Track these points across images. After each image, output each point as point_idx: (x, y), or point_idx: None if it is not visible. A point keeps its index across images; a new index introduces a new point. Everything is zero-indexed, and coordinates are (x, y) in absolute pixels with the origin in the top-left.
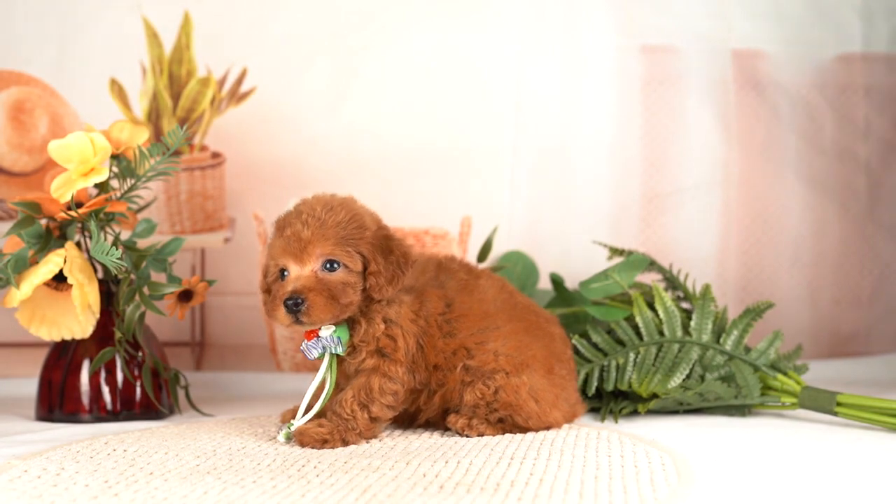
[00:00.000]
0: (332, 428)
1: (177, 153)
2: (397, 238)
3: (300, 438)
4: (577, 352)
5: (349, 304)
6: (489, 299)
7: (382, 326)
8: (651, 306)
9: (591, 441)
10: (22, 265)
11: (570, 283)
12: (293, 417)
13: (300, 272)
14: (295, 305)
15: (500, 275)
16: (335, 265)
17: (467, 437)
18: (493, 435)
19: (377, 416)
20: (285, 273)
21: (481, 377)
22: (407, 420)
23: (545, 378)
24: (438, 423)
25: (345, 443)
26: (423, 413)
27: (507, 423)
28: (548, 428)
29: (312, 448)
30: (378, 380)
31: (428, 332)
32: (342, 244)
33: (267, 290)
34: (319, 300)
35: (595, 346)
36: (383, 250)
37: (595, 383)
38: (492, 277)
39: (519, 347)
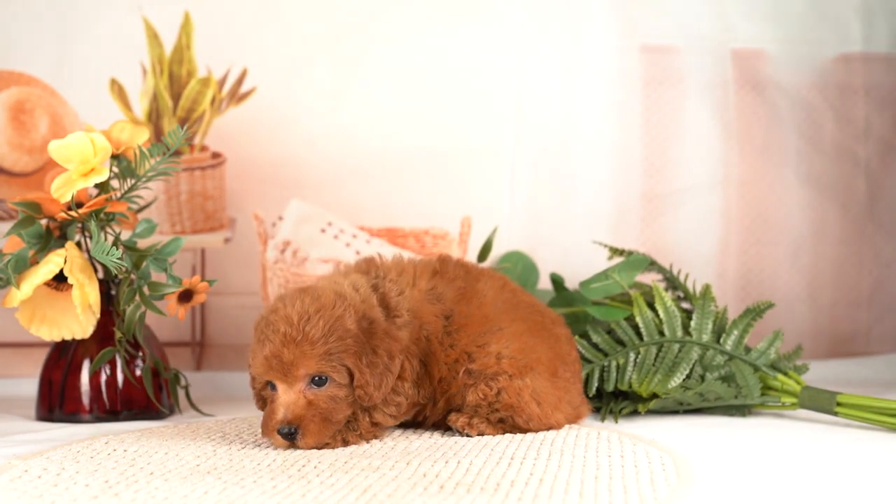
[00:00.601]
0: (338, 434)
1: (177, 153)
2: (381, 329)
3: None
4: None
5: (343, 418)
6: (489, 302)
7: None
8: (651, 306)
9: (591, 441)
10: (22, 265)
11: (570, 283)
12: None
13: (288, 392)
14: (290, 434)
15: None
16: (323, 379)
17: (467, 435)
18: (493, 434)
19: (378, 423)
20: (273, 384)
21: (484, 379)
22: (413, 425)
23: (549, 381)
24: (440, 424)
25: (345, 443)
26: (429, 419)
27: (508, 424)
28: (549, 429)
29: (309, 448)
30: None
31: (430, 350)
32: (326, 360)
33: (258, 391)
34: (313, 427)
35: (595, 346)
36: (368, 354)
37: (595, 383)
38: (492, 277)
39: (523, 350)
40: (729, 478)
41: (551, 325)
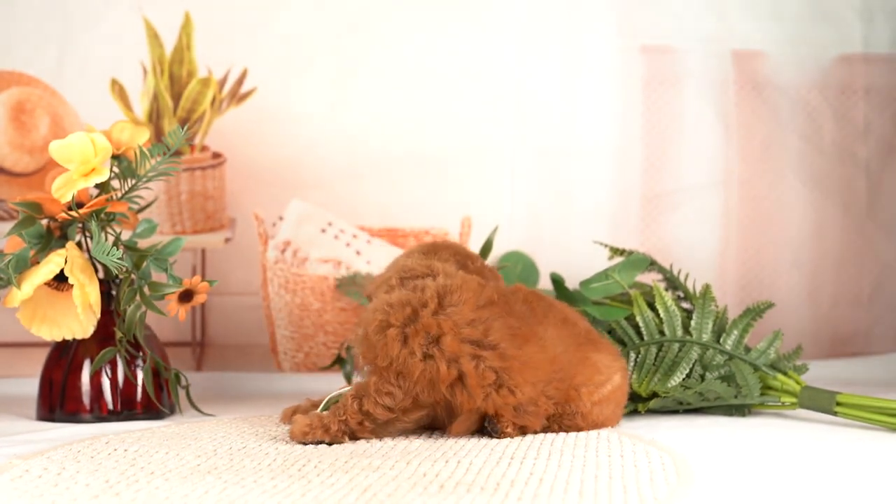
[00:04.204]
0: (318, 420)
1: (177, 153)
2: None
3: (291, 427)
4: None
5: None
6: (550, 345)
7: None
8: (651, 306)
9: (591, 441)
10: (23, 265)
11: (571, 283)
12: (293, 416)
13: None
14: None
15: (502, 273)
16: None
17: (495, 431)
18: (513, 436)
19: (368, 411)
20: None
21: (570, 408)
22: None
23: (611, 408)
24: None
25: (325, 430)
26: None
27: (554, 428)
28: None
29: (297, 442)
30: (375, 379)
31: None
32: None
33: None
34: None
35: None
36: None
37: None
38: (557, 318)
39: (598, 368)
40: (729, 478)
41: (618, 356)
